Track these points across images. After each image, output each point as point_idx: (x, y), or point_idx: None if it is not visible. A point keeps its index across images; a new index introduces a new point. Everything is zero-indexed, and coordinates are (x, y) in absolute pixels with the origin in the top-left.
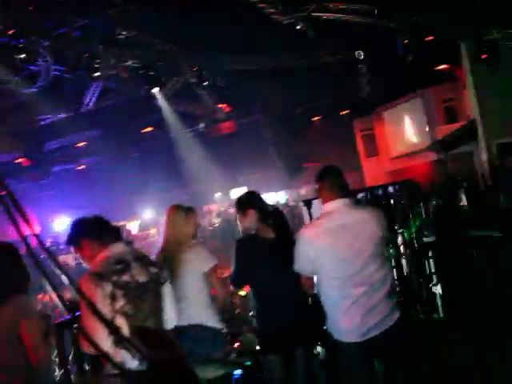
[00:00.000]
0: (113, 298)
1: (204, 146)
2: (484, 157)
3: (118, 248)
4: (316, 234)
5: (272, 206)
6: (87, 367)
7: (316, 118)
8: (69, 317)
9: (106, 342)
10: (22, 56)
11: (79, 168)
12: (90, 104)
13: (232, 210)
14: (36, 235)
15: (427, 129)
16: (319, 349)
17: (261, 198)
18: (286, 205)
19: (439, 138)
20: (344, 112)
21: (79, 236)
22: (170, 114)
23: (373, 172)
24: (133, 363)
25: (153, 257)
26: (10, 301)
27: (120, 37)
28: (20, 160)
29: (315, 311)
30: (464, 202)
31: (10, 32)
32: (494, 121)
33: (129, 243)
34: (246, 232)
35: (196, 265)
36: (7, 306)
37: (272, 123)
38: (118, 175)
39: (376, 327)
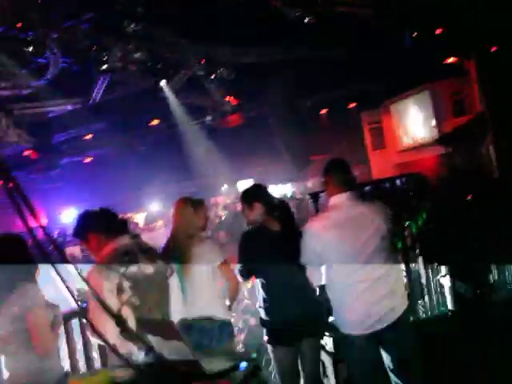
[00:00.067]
0: (120, 289)
1: (211, 138)
2: (492, 150)
3: (124, 240)
4: (322, 227)
5: (278, 198)
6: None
7: (324, 111)
8: (76, 307)
9: (112, 333)
10: (30, 49)
11: (87, 160)
12: (98, 97)
13: (239, 203)
14: (43, 227)
15: (435, 122)
16: (326, 341)
17: (267, 191)
18: (293, 198)
19: (447, 132)
20: (352, 105)
21: (86, 229)
22: (178, 107)
23: (380, 165)
24: (139, 355)
25: (160, 249)
26: (17, 290)
27: (128, 29)
28: (28, 152)
29: (322, 303)
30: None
31: (19, 25)
32: (503, 115)
33: (135, 235)
34: (252, 225)
35: (207, 258)
36: (15, 295)
37: (279, 116)
38: (125, 168)
39: (382, 320)
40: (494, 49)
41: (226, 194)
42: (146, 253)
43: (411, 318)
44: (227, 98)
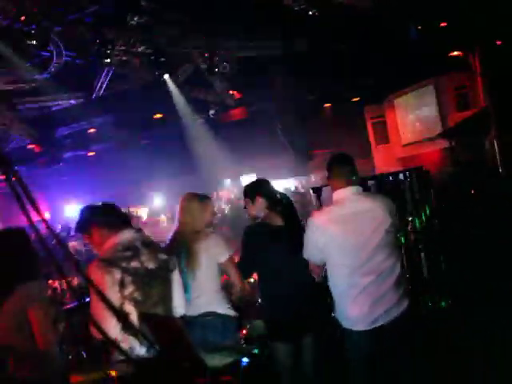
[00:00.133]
0: (122, 284)
1: (214, 132)
2: (495, 145)
3: (127, 234)
4: (326, 221)
5: (281, 193)
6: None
7: (327, 105)
8: (78, 303)
9: (114, 328)
10: (34, 42)
11: (90, 154)
12: (101, 90)
13: (241, 197)
14: (45, 221)
15: (439, 116)
16: (327, 337)
17: (270, 186)
18: (296, 192)
19: (451, 126)
20: (355, 99)
21: (88, 222)
22: (181, 101)
23: (383, 159)
24: (141, 350)
25: (165, 244)
26: (20, 286)
27: (131, 23)
28: (31, 146)
29: (323, 299)
30: (474, 189)
31: (22, 18)
32: (507, 109)
33: (138, 230)
34: (255, 219)
35: (213, 254)
36: (17, 291)
37: (283, 110)
38: (129, 161)
39: (384, 316)
40: (498, 43)
41: (229, 189)
42: (149, 247)
43: (413, 313)
44: (230, 92)
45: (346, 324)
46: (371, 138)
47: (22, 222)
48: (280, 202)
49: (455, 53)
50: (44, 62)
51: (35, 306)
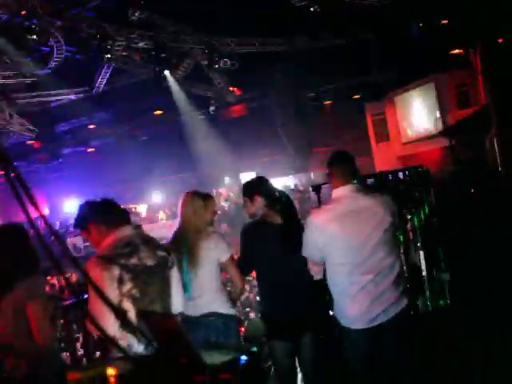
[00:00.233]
0: (120, 281)
1: (214, 129)
2: (496, 143)
3: (125, 231)
4: (325, 220)
5: (280, 191)
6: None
7: (327, 103)
8: (76, 299)
9: (112, 325)
10: (35, 37)
11: (89, 150)
12: (101, 86)
13: (241, 195)
14: (44, 217)
15: (439, 114)
16: (326, 336)
17: (268, 184)
18: (296, 190)
19: (451, 124)
20: (355, 96)
21: (87, 219)
22: (181, 97)
23: (383, 157)
24: (139, 347)
25: (166, 241)
26: (19, 282)
27: (132, 18)
28: (31, 142)
29: (322, 298)
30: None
31: (23, 13)
32: (508, 107)
33: (137, 226)
34: (254, 217)
35: (214, 253)
36: (16, 287)
37: (283, 107)
38: (128, 158)
39: (383, 314)
40: (499, 41)
41: (228, 186)
42: (148, 244)
43: (412, 312)
44: (231, 89)
45: (344, 322)
46: (371, 136)
47: (21, 218)
48: (279, 201)
49: (456, 50)
50: (44, 57)
51: (34, 301)
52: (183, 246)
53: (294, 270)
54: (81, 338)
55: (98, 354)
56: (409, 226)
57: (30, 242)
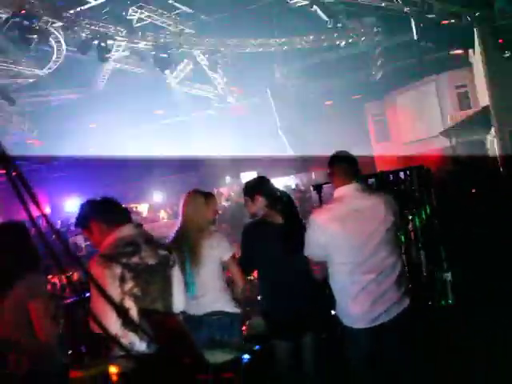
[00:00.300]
0: (122, 280)
1: (215, 128)
2: (496, 144)
3: (127, 230)
4: (327, 219)
5: (281, 191)
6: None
7: (328, 102)
8: (78, 298)
9: (114, 324)
10: (35, 36)
11: (90, 150)
12: (101, 86)
13: (241, 195)
14: (45, 216)
15: (440, 115)
16: (328, 335)
17: (270, 184)
18: (297, 190)
19: (452, 124)
20: (356, 96)
21: (88, 218)
22: (182, 96)
23: (384, 157)
24: (141, 346)
25: (168, 240)
26: (20, 281)
27: (132, 18)
28: (32, 141)
29: (323, 297)
30: (475, 188)
31: (23, 12)
32: (508, 108)
33: (138, 225)
34: (254, 217)
35: (216, 252)
36: (18, 285)
37: (284, 107)
38: (129, 157)
39: (385, 314)
40: (500, 41)
41: (229, 185)
42: (149, 243)
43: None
44: (232, 88)
45: (346, 322)
46: (372, 136)
47: (22, 217)
48: (280, 200)
49: (457, 51)
50: (45, 57)
51: (35, 300)
52: (185, 245)
53: (295, 270)
54: (82, 337)
55: (99, 352)
56: (410, 226)
57: (31, 241)
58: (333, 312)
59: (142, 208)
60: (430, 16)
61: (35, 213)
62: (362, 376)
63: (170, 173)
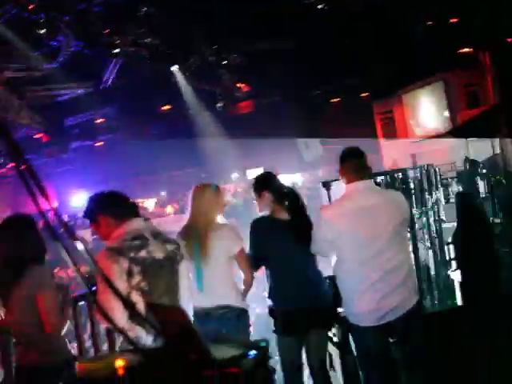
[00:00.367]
0: (129, 273)
1: (222, 125)
2: (505, 143)
3: (135, 224)
4: (335, 215)
5: (288, 187)
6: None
7: (335, 100)
8: (85, 290)
9: (121, 317)
10: (43, 31)
11: (97, 145)
12: (109, 81)
13: (249, 190)
14: (54, 210)
15: (448, 113)
16: (334, 331)
17: (276, 180)
18: (304, 187)
19: (460, 123)
20: (363, 94)
21: (96, 211)
22: (189, 92)
23: (392, 156)
24: (147, 339)
25: (176, 234)
26: (27, 272)
27: (140, 13)
28: (39, 135)
29: (330, 294)
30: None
31: (31, 7)
32: None
33: (146, 219)
34: (262, 213)
35: (225, 245)
36: (25, 277)
37: (291, 104)
38: (136, 152)
39: (392, 312)
40: (509, 40)
41: (236, 181)
42: (157, 237)
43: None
44: (239, 85)
45: (353, 320)
46: (379, 134)
47: (30, 210)
48: (287, 197)
49: (465, 49)
50: (53, 52)
51: (43, 292)
52: (194, 238)
53: (301, 267)
54: (89, 330)
55: (106, 345)
56: (418, 224)
57: (38, 233)
58: (339, 309)
59: (149, 203)
60: (438, 13)
61: (44, 206)
62: (368, 374)
63: (177, 168)
